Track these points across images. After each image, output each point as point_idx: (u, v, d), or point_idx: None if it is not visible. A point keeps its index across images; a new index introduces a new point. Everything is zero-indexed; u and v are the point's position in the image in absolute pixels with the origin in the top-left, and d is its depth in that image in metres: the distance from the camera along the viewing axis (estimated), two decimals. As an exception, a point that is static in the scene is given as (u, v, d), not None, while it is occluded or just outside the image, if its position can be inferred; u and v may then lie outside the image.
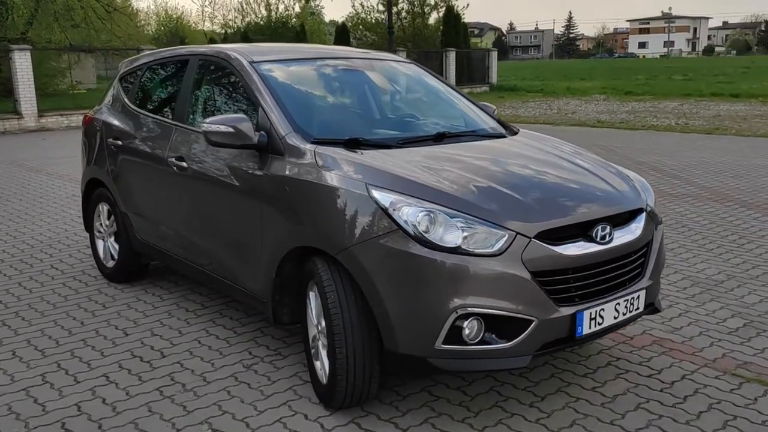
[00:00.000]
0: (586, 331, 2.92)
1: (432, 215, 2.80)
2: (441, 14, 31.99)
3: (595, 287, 2.97)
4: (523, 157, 3.51)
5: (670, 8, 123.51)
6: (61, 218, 7.24)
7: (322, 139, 3.39)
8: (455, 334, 2.74)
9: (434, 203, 2.84)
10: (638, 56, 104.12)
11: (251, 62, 3.85)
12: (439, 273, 2.73)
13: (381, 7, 32.93)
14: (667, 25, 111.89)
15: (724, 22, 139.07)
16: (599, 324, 2.97)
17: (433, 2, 32.51)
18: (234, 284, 3.76)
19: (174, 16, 53.97)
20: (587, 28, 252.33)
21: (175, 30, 50.11)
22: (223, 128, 3.40)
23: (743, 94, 24.52)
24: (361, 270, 2.87)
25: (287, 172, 3.28)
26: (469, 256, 2.74)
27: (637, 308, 3.15)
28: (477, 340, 2.77)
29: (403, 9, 32.98)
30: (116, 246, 4.96)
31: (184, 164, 3.97)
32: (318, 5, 45.27)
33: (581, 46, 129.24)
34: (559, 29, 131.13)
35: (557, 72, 48.96)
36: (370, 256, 2.84)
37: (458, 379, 3.45)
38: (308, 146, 3.31)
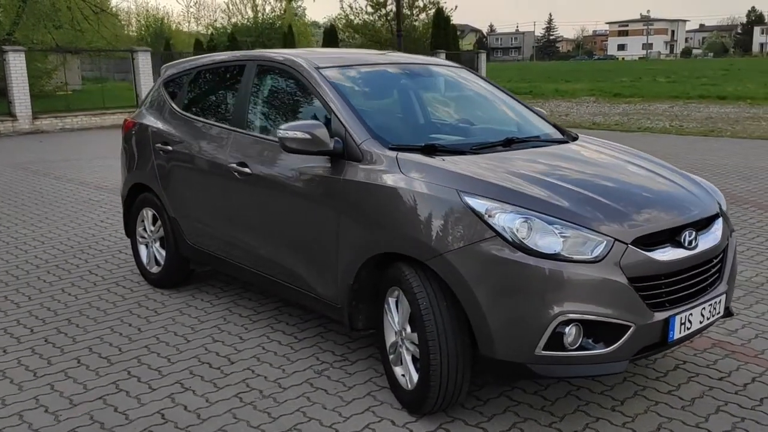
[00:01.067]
0: (677, 335, 2.97)
1: (529, 222, 2.83)
2: (430, 16, 32.09)
3: (683, 292, 3.02)
4: (598, 164, 3.56)
5: (648, 11, 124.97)
6: (84, 222, 7.17)
7: (399, 145, 3.41)
8: (556, 341, 2.78)
9: (530, 209, 2.87)
10: (617, 58, 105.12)
11: (317, 68, 3.86)
12: (540, 279, 2.76)
13: (369, 9, 32.99)
14: (645, 27, 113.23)
15: (701, 25, 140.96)
16: (688, 328, 3.02)
17: (422, 4, 32.62)
18: (301, 290, 3.76)
19: (158, 16, 53.55)
20: (567, 30, 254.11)
21: (159, 31, 49.72)
22: (300, 135, 3.41)
23: (730, 96, 24.89)
24: (457, 277, 2.89)
25: (368, 179, 3.30)
26: (569, 262, 2.77)
27: (719, 312, 3.21)
28: (576, 345, 2.80)
29: (391, 11, 33.01)
30: (162, 251, 4.94)
31: (248, 170, 3.96)
32: (300, 6, 45.18)
33: (561, 48, 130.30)
34: (539, 31, 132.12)
35: (541, 74, 49.31)
36: (466, 262, 2.87)
37: (533, 384, 3.48)
38: (388, 153, 3.33)
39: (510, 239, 2.81)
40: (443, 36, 28.92)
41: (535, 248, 2.79)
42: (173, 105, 4.86)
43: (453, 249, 2.90)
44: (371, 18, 33.01)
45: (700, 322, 3.09)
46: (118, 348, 3.99)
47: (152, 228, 5.02)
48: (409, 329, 3.17)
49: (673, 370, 3.67)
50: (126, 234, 5.39)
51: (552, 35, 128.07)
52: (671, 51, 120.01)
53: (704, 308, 3.09)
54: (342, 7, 39.77)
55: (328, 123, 3.54)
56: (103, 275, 5.37)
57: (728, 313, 3.38)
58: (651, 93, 27.53)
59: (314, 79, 3.79)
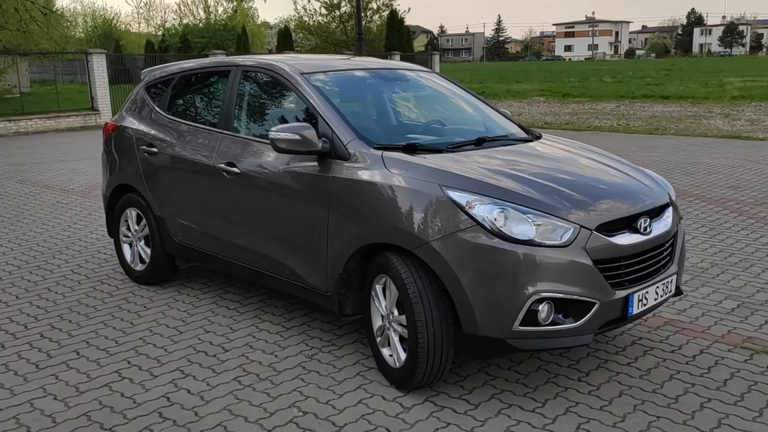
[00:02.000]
0: (635, 311, 3.34)
1: (505, 212, 3.17)
2: (383, 18, 32.47)
3: (640, 273, 3.40)
4: (561, 159, 3.92)
5: (593, 13, 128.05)
6: (57, 225, 7.26)
7: (383, 145, 3.72)
8: (531, 317, 3.12)
9: (505, 201, 3.21)
10: (564, 59, 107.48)
11: (302, 74, 4.14)
12: (516, 263, 3.10)
13: (323, 11, 33.18)
14: (591, 29, 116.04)
15: (644, 26, 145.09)
16: (644, 305, 3.40)
17: (375, 6, 32.97)
18: (291, 281, 4.03)
19: (107, 17, 52.62)
20: (515, 31, 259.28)
21: (108, 32, 48.95)
22: (290, 136, 3.68)
23: (672, 95, 25.91)
24: (442, 263, 3.20)
25: (356, 176, 3.59)
26: (542, 247, 3.12)
27: (670, 291, 3.61)
28: (548, 321, 3.15)
29: (345, 12, 33.28)
30: (147, 250, 5.13)
31: (236, 170, 4.21)
32: (251, 6, 45.07)
33: (510, 49, 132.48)
34: (489, 32, 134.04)
35: (493, 74, 50.24)
36: (450, 250, 3.19)
37: (507, 360, 3.83)
38: (374, 152, 3.63)
39: (489, 228, 3.14)
40: (397, 38, 29.33)
41: (511, 235, 3.12)
42: (157, 108, 5.06)
43: (437, 238, 3.22)
44: (325, 20, 33.23)
45: (655, 299, 3.48)
46: (114, 341, 4.19)
47: (136, 227, 5.21)
48: (396, 312, 3.48)
49: (631, 345, 4.05)
50: (108, 234, 5.56)
51: (501, 36, 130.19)
52: (616, 52, 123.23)
53: (658, 287, 3.48)
54: (296, 9, 39.82)
55: (314, 125, 3.82)
56: (86, 274, 5.53)
57: (679, 291, 3.78)
58: (598, 93, 28.45)
59: (300, 84, 4.07)
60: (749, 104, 21.97)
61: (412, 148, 3.70)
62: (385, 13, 32.52)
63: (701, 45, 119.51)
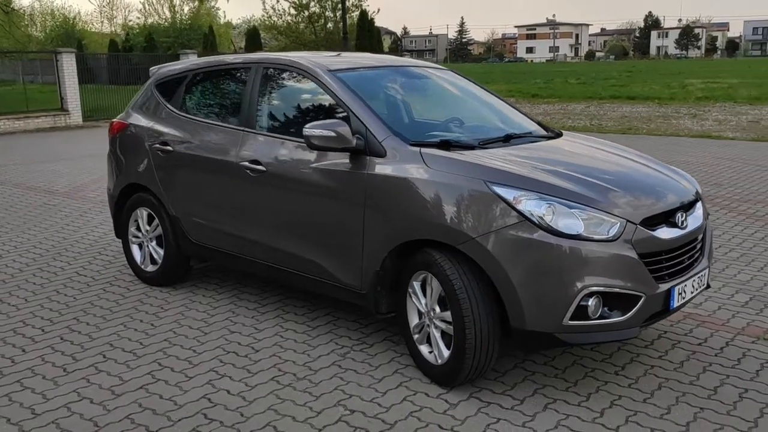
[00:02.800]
0: (676, 303, 3.40)
1: (552, 206, 3.19)
2: (353, 18, 32.45)
3: (679, 266, 3.46)
4: (593, 156, 3.97)
5: (554, 15, 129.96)
6: (49, 227, 7.08)
7: (418, 141, 3.72)
8: (580, 311, 3.15)
9: (551, 195, 3.23)
10: (526, 61, 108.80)
11: (329, 71, 4.11)
12: (566, 257, 3.13)
13: (292, 11, 33.01)
14: (552, 31, 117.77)
15: (602, 29, 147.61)
16: (683, 298, 3.46)
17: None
18: (322, 279, 4.00)
19: (69, 16, 51.49)
20: (478, 33, 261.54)
21: (70, 31, 47.90)
22: (325, 132, 3.66)
23: (638, 96, 26.41)
24: (489, 258, 3.21)
25: (394, 173, 3.58)
26: (590, 241, 3.15)
27: (703, 284, 3.68)
28: (597, 315, 3.18)
29: (314, 12, 33.18)
30: (159, 250, 5.04)
31: (261, 167, 4.16)
32: (213, 6, 44.52)
33: (473, 51, 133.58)
34: (452, 34, 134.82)
35: (459, 76, 50.50)
36: (497, 245, 3.20)
37: (542, 356, 3.85)
38: (411, 148, 3.62)
39: (537, 223, 3.16)
40: (368, 38, 29.34)
41: (559, 230, 3.15)
42: (170, 106, 4.97)
43: (484, 233, 3.23)
44: (294, 20, 33.07)
45: (691, 293, 3.54)
46: (139, 342, 4.11)
47: (147, 227, 5.11)
48: (438, 309, 3.48)
49: (658, 339, 4.12)
50: (116, 235, 5.44)
51: (464, 38, 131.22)
52: (576, 54, 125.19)
53: (694, 280, 3.54)
54: (264, 9, 39.45)
55: (347, 122, 3.80)
56: (92, 276, 5.40)
57: (707, 285, 3.85)
58: (566, 94, 28.85)
59: (328, 81, 4.04)
60: (714, 105, 22.50)
61: (446, 145, 3.70)
62: (355, 14, 32.54)
63: (658, 47, 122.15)
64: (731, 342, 4.05)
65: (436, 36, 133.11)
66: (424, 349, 3.63)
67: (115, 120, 5.45)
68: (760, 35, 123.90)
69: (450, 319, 3.38)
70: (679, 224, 3.46)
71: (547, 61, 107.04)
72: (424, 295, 3.58)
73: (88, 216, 7.55)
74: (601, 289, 3.14)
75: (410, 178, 3.52)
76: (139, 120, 5.15)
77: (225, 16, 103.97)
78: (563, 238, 3.14)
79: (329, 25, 33.19)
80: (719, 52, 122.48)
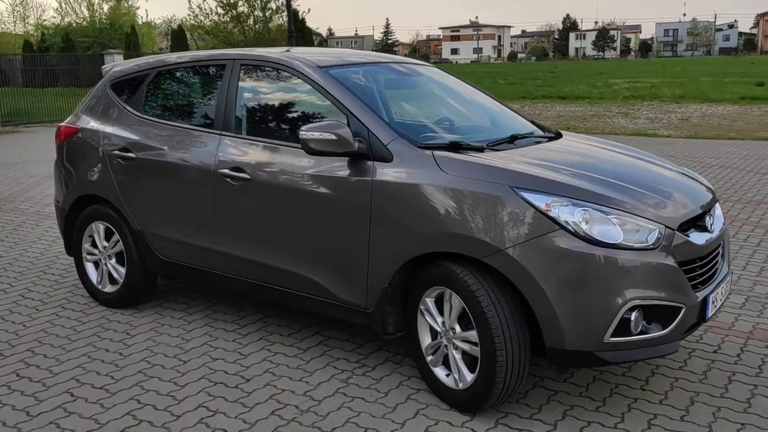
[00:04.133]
0: (710, 313, 3.19)
1: (587, 213, 2.92)
2: (284, 18, 31.82)
3: (709, 273, 3.25)
4: (608, 157, 3.72)
5: (476, 17, 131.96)
6: (-19, 243, 6.39)
7: (427, 143, 3.39)
8: (623, 327, 2.89)
9: (584, 201, 2.96)
10: (452, 62, 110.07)
11: (320, 67, 3.73)
12: (607, 268, 2.86)
13: (220, 10, 32.06)
14: (475, 33, 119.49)
15: (523, 31, 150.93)
16: (716, 306, 3.25)
17: (274, 6, 32.21)
18: (319, 298, 3.61)
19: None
20: (403, 34, 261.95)
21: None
22: (325, 135, 3.29)
23: (569, 96, 26.90)
24: (521, 271, 2.91)
25: (405, 179, 3.24)
26: (631, 250, 2.89)
27: (728, 291, 3.49)
28: (638, 330, 2.93)
29: (242, 12, 32.33)
30: (120, 268, 4.52)
31: (245, 175, 3.74)
32: (131, 5, 42.76)
33: (399, 52, 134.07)
34: (378, 35, 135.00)
35: (388, 76, 50.40)
36: (530, 257, 2.90)
37: (557, 371, 3.59)
38: (422, 151, 3.29)
39: (573, 231, 2.88)
40: (300, 39, 28.74)
41: (597, 238, 2.88)
42: (129, 108, 4.47)
43: (515, 244, 2.92)
44: (222, 19, 32.11)
45: (721, 300, 3.34)
46: (110, 376, 3.62)
47: (105, 243, 4.58)
48: (458, 328, 3.16)
49: (672, 347, 3.92)
50: (67, 252, 4.88)
51: (390, 39, 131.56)
52: (499, 55, 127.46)
53: (722, 287, 3.35)
54: (190, 8, 37.94)
55: (350, 124, 3.43)
56: (40, 299, 4.82)
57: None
58: (498, 94, 28.42)
59: (319, 79, 3.66)
60: (642, 103, 23.08)
61: (456, 147, 3.38)
62: (285, 14, 31.88)
63: (577, 49, 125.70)
64: (745, 348, 3.89)
65: (362, 37, 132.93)
66: (440, 372, 3.30)
67: (62, 124, 4.87)
68: (670, 37, 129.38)
69: (475, 340, 3.07)
70: (709, 228, 3.26)
71: (471, 62, 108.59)
72: (440, 313, 3.25)
73: (23, 230, 6.87)
74: (644, 302, 2.89)
75: (424, 184, 3.19)
76: (92, 124, 4.61)
77: (147, 15, 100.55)
78: (602, 247, 2.87)
79: (258, 25, 32.37)
80: (633, 53, 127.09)
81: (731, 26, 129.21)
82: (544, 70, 55.10)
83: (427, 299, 3.29)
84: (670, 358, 3.76)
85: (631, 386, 3.46)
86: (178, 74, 4.47)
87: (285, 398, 3.37)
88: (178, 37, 30.59)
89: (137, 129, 4.35)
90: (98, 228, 4.59)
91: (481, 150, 3.44)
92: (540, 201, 2.94)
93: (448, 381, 3.25)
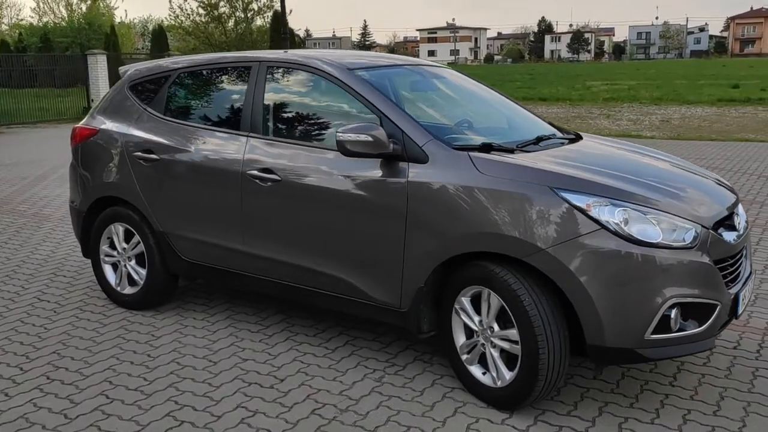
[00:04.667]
0: (740, 309, 3.28)
1: (627, 213, 2.99)
2: (266, 19, 31.77)
3: (738, 271, 3.34)
4: (638, 160, 3.79)
5: (453, 19, 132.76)
6: (-17, 245, 6.32)
7: (461, 145, 3.44)
8: (663, 324, 2.96)
9: (624, 201, 3.03)
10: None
11: (349, 69, 3.76)
12: (648, 267, 2.93)
13: (201, 11, 31.83)
14: (452, 35, 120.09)
15: (499, 33, 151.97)
16: (745, 303, 3.35)
17: (256, 7, 32.04)
18: (351, 297, 3.64)
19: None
20: (380, 36, 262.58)
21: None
22: (362, 137, 3.32)
23: (549, 98, 27.17)
24: (563, 271, 2.97)
25: (442, 180, 3.28)
26: (670, 249, 2.97)
27: (753, 288, 3.58)
28: (677, 327, 3.00)
29: (224, 13, 32.12)
30: (140, 270, 4.51)
31: (275, 176, 3.76)
32: (109, 5, 42.23)
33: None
34: (355, 37, 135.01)
35: (368, 78, 50.42)
36: (572, 256, 2.96)
37: (589, 369, 3.66)
38: (459, 152, 3.34)
39: (614, 230, 2.94)
40: (282, 40, 28.63)
41: (638, 237, 2.95)
42: (151, 110, 4.45)
43: (557, 244, 2.98)
44: (203, 20, 31.87)
45: (749, 298, 3.44)
46: (142, 378, 3.61)
47: (125, 245, 4.56)
48: (497, 327, 3.21)
49: (693, 344, 4.01)
50: (83, 254, 4.85)
51: (367, 41, 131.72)
52: (475, 57, 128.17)
53: (748, 284, 3.44)
54: (171, 8, 37.44)
55: (383, 125, 3.47)
56: (56, 301, 4.79)
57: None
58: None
59: (349, 81, 3.69)
60: (622, 105, 23.39)
61: (488, 148, 3.44)
62: (268, 15, 31.80)
63: (552, 51, 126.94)
64: (763, 344, 3.99)
65: (340, 39, 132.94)
66: (475, 370, 3.35)
67: (79, 126, 4.85)
68: (643, 39, 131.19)
69: (514, 338, 3.12)
70: (736, 226, 3.35)
71: (448, 64, 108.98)
72: (476, 312, 3.30)
73: (25, 232, 6.79)
74: (683, 299, 2.97)
75: (462, 185, 3.23)
76: (111, 126, 4.59)
77: (126, 15, 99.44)
78: (642, 246, 2.94)
79: (240, 25, 32.18)
80: (607, 55, 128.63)
81: (702, 29, 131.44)
82: (522, 72, 55.59)
83: (463, 298, 3.33)
84: (694, 356, 3.85)
85: (660, 383, 3.54)
86: (200, 76, 4.47)
87: (322, 398, 3.39)
88: (159, 38, 30.30)
89: (159, 130, 4.34)
90: (117, 230, 4.57)
91: (511, 151, 3.49)
92: (580, 201, 3.01)
93: (485, 379, 3.30)
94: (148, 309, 4.57)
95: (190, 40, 31.59)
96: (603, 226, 2.95)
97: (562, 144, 3.94)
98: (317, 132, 3.91)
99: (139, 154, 4.35)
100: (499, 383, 3.23)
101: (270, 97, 4.00)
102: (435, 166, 3.33)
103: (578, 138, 4.18)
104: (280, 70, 4.06)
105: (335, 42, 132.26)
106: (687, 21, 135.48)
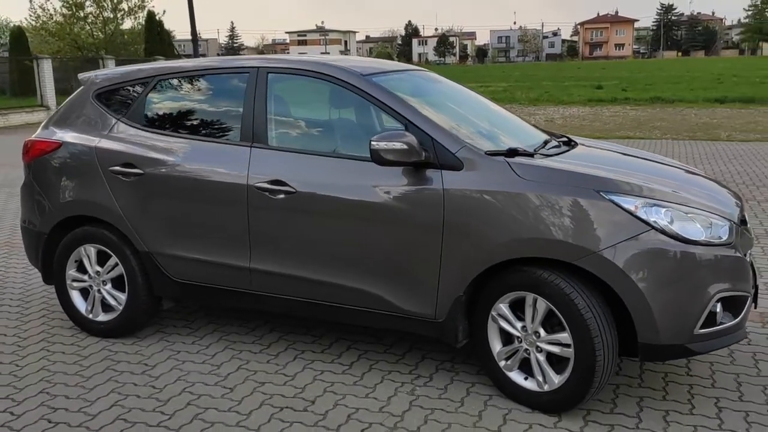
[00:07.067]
0: (758, 301, 3.47)
1: (671, 212, 3.09)
2: (138, 20, 30.36)
3: (753, 266, 3.54)
4: (651, 164, 3.90)
5: (322, 22, 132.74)
6: None
7: (491, 151, 3.42)
8: (710, 318, 3.08)
9: (667, 202, 3.13)
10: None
11: (364, 75, 3.64)
12: (696, 264, 3.04)
13: (65, 11, 29.90)
14: (322, 37, 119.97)
15: (367, 36, 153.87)
16: (758, 294, 3.55)
17: (126, 7, 30.49)
18: (377, 310, 3.52)
19: None
20: (248, 38, 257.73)
21: None
22: (396, 145, 3.23)
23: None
24: (617, 272, 3.02)
25: (481, 187, 3.24)
26: (713, 246, 3.10)
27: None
28: (719, 321, 3.14)
29: (90, 13, 30.36)
30: (119, 294, 4.13)
31: (289, 188, 3.57)
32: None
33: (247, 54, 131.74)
34: (222, 39, 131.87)
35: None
36: (625, 258, 3.01)
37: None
38: (495, 158, 3.31)
39: (662, 230, 3.03)
40: (158, 42, 27.51)
41: (685, 236, 3.05)
42: (126, 120, 4.09)
43: (608, 246, 3.02)
44: (69, 21, 29.92)
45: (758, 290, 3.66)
46: (160, 412, 3.31)
47: (98, 268, 4.16)
48: (543, 332, 3.21)
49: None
50: (44, 280, 4.38)
51: (236, 43, 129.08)
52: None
53: (758, 279, 3.66)
54: (31, 8, 34.62)
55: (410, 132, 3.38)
56: (18, 335, 4.29)
57: None
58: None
59: (368, 88, 3.57)
60: (505, 106, 23.93)
61: (514, 153, 3.44)
62: (142, 15, 30.34)
63: (420, 54, 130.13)
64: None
65: (206, 40, 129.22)
66: (516, 376, 3.34)
67: (33, 139, 4.36)
68: (503, 43, 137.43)
69: (566, 342, 3.13)
70: (747, 222, 3.56)
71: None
72: (517, 318, 3.29)
73: (-63, 257, 6.06)
74: (727, 293, 3.11)
75: (503, 191, 3.21)
76: (78, 138, 4.17)
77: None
78: (689, 244, 3.05)
79: (109, 26, 30.49)
80: (471, 58, 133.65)
81: (555, 34, 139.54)
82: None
83: (501, 305, 3.31)
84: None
85: (677, 374, 3.68)
86: (184, 83, 4.15)
87: (364, 417, 3.26)
88: (18, 40, 28.10)
89: (140, 142, 4.00)
90: (89, 251, 4.16)
91: (531, 155, 3.51)
92: (628, 203, 3.07)
93: (529, 384, 3.30)
94: (125, 336, 4.20)
95: (53, 41, 29.58)
96: (652, 227, 3.03)
97: (569, 148, 3.98)
98: (331, 141, 3.76)
99: (118, 168, 3.99)
100: (546, 387, 3.24)
101: (275, 105, 3.78)
102: (472, 172, 3.28)
103: (573, 141, 4.27)
104: (286, 77, 3.85)
105: (201, 44, 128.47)
106: (542, 26, 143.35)
